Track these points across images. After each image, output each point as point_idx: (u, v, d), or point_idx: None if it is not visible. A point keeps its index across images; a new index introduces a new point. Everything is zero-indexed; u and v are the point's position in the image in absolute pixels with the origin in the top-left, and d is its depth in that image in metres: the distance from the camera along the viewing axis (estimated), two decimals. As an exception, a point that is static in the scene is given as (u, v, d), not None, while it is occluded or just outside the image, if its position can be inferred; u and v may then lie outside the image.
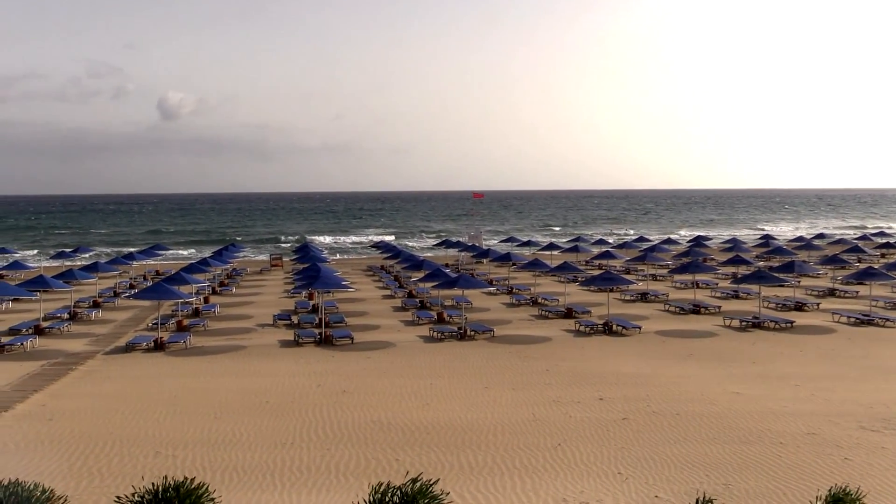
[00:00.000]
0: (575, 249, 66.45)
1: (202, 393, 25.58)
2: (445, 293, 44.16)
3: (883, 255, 72.18)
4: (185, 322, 39.21)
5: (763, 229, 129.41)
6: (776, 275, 43.85)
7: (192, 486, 7.19)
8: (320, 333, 35.06)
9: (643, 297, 48.45)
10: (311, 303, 46.42)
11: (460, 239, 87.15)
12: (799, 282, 51.30)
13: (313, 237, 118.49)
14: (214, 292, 53.52)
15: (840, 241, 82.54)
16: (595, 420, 21.78)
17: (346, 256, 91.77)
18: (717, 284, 53.34)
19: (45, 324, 38.80)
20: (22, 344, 33.84)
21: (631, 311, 42.62)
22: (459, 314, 39.74)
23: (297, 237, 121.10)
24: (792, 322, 37.90)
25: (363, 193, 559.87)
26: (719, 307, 43.31)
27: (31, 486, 6.84)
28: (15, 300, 46.91)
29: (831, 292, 50.19)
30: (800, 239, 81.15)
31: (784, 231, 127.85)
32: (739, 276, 47.01)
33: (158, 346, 33.62)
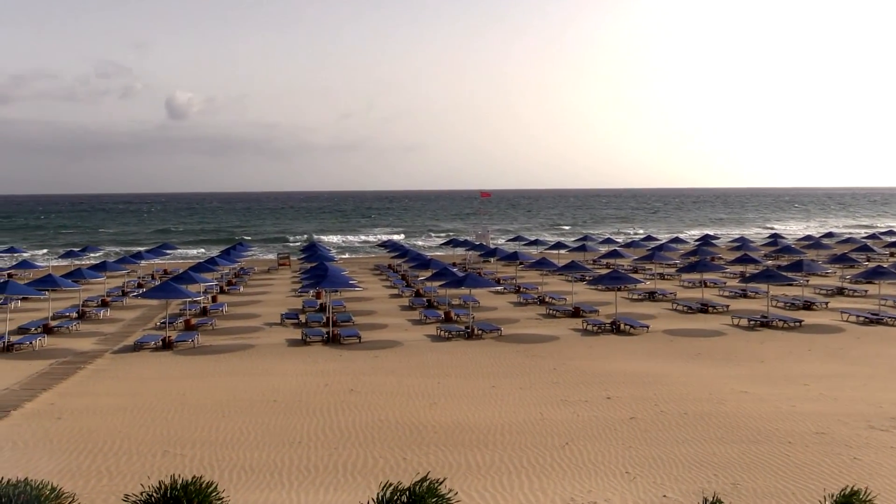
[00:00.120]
0: (582, 248, 66.34)
1: (210, 392, 25.64)
2: (453, 292, 44.15)
3: (892, 254, 71.95)
4: (193, 321, 39.31)
5: (772, 228, 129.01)
6: (785, 274, 43.70)
7: (201, 485, 7.20)
8: (328, 332, 35.10)
9: (651, 296, 48.35)
10: (319, 302, 46.48)
11: (467, 238, 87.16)
12: (807, 281, 51.11)
13: (321, 236, 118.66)
14: (222, 291, 53.65)
15: (849, 240, 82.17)
16: (603, 419, 21.74)
17: (353, 255, 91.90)
18: (725, 283, 53.17)
19: (53, 323, 38.97)
20: (31, 343, 33.99)
21: (639, 310, 42.54)
22: (467, 313, 39.72)
23: (305, 237, 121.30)
24: (800, 321, 37.77)
25: (371, 192, 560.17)
26: (727, 306, 43.17)
27: (40, 485, 6.86)
28: (24, 299, 47.10)
29: (840, 291, 50.01)
30: (808, 238, 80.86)
31: (794, 230, 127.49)
32: (748, 275, 46.90)
33: (166, 345, 33.72)
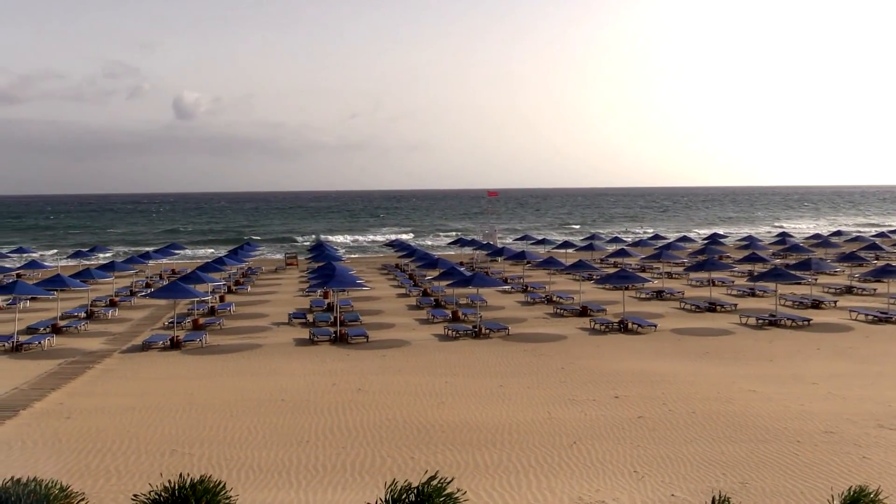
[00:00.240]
0: (590, 247, 66.26)
1: (218, 391, 25.70)
2: (460, 291, 44.12)
3: (901, 253, 71.57)
4: (201, 321, 39.40)
5: (782, 227, 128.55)
6: (793, 272, 43.56)
7: (210, 485, 7.21)
8: (335, 332, 35.14)
9: (658, 295, 48.26)
10: (327, 301, 46.52)
11: (475, 237, 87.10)
12: (816, 279, 50.93)
13: (328, 236, 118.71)
14: (230, 291, 53.76)
15: (857, 239, 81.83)
16: (610, 418, 21.70)
17: (361, 255, 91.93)
18: (733, 282, 53.00)
19: (62, 323, 39.12)
20: (40, 343, 34.12)
21: (646, 309, 42.46)
22: (474, 312, 39.73)
23: (312, 236, 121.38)
24: (809, 320, 37.64)
25: (379, 192, 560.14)
26: (735, 305, 43.05)
27: (49, 484, 6.88)
28: (33, 299, 47.29)
29: (848, 290, 49.81)
30: (817, 236, 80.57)
31: (803, 228, 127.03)
32: (756, 273, 46.75)
33: (174, 345, 33.80)
